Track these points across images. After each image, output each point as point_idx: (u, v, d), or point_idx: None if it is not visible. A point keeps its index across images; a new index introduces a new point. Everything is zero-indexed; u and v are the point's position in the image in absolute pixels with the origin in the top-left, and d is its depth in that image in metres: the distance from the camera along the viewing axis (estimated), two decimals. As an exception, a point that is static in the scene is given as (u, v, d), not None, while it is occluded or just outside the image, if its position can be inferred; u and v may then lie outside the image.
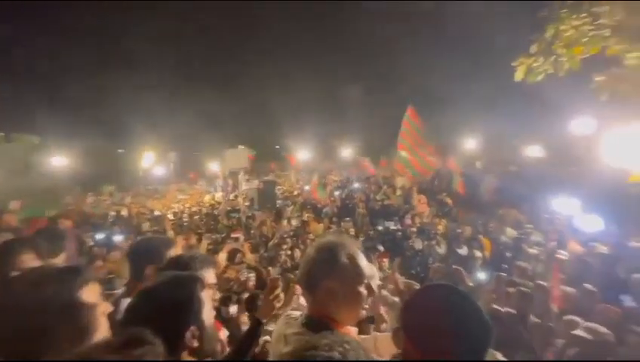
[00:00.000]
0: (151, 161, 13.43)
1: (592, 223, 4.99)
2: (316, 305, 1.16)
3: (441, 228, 7.10)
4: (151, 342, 0.78)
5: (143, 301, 1.11)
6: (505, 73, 4.21)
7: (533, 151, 12.23)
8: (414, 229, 7.00)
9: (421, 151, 7.32)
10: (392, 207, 9.55)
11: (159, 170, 19.15)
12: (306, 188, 13.60)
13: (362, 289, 1.16)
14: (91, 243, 6.38)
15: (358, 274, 1.16)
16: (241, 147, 9.09)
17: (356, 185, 13.34)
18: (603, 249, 4.64)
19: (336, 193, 12.33)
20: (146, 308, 1.07)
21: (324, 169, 18.85)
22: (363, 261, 1.20)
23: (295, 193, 14.20)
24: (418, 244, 6.26)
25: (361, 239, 6.71)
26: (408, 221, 7.68)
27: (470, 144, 18.67)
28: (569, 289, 3.32)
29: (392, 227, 7.35)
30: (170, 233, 6.85)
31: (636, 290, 3.40)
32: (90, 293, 1.20)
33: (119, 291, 1.91)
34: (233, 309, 3.46)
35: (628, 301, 3.34)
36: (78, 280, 1.15)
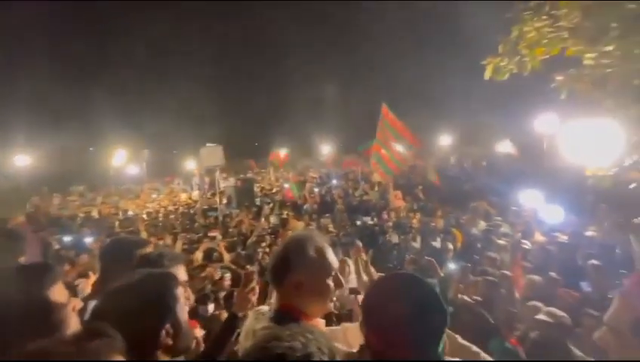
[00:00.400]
0: (123, 160, 12.91)
1: (553, 214, 5.32)
2: (284, 298, 1.18)
3: (415, 221, 7.31)
4: (108, 335, 0.77)
5: (114, 301, 1.07)
6: (479, 72, 4.37)
7: (503, 146, 12.78)
8: (391, 224, 7.16)
9: (392, 148, 7.62)
10: (369, 203, 9.72)
11: (132, 169, 18.47)
12: (286, 185, 13.58)
13: (330, 282, 1.18)
14: (58, 247, 6.09)
15: (325, 267, 1.19)
16: (216, 145, 8.86)
17: (335, 181, 13.45)
18: (564, 238, 4.96)
19: (316, 190, 12.38)
20: (118, 308, 1.04)
21: (304, 166, 18.87)
22: (331, 254, 1.22)
23: (274, 190, 14.13)
24: (394, 239, 6.42)
25: (340, 235, 6.81)
26: (385, 216, 7.86)
27: (445, 140, 19.27)
28: (533, 276, 3.53)
29: (370, 222, 7.49)
30: (144, 234, 6.65)
31: (592, 276, 3.67)
32: (59, 291, 1.17)
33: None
34: (211, 307, 3.45)
35: (585, 286, 3.61)
36: (47, 278, 1.12)
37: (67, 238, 7.02)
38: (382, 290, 0.99)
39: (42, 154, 16.14)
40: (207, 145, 8.94)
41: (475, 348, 1.31)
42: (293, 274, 1.15)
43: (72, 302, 1.24)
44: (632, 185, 3.58)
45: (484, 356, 1.28)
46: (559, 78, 4.13)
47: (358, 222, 7.56)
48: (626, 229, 4.25)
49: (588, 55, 3.64)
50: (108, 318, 0.99)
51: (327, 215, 8.80)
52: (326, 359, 0.73)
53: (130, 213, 11.06)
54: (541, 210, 5.77)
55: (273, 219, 8.43)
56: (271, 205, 10.53)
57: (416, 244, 6.34)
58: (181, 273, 1.50)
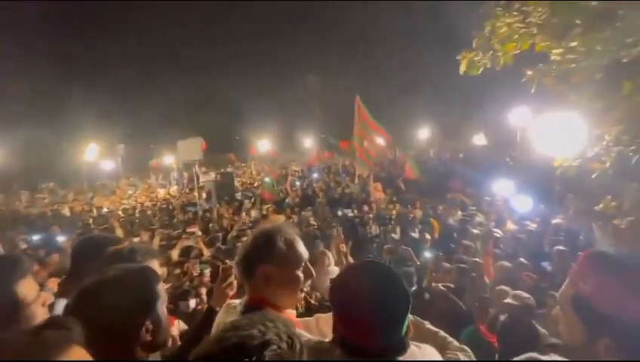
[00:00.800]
0: (95, 154, 12.36)
1: (523, 203, 5.58)
2: (254, 290, 1.18)
3: (394, 213, 7.46)
4: (67, 327, 0.76)
5: (91, 297, 1.03)
6: (457, 67, 4.45)
7: (479, 139, 13.18)
8: (371, 216, 7.27)
9: (366, 144, 7.89)
10: (351, 196, 9.82)
11: (107, 165, 17.76)
12: (267, 179, 13.47)
13: (299, 273, 1.19)
14: (25, 246, 5.80)
15: (295, 258, 1.20)
16: (194, 138, 8.62)
17: (316, 175, 13.47)
18: (533, 226, 5.22)
19: (297, 183, 12.36)
20: (96, 305, 1.00)
21: (285, 160, 18.76)
22: (300, 246, 1.23)
23: (255, 184, 14.00)
24: (374, 230, 6.53)
25: (322, 227, 6.87)
26: (365, 208, 7.97)
27: (424, 134, 19.67)
28: (503, 262, 3.71)
29: (350, 214, 7.58)
30: (119, 231, 6.44)
31: (556, 261, 3.89)
32: (28, 285, 1.13)
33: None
34: (193, 303, 3.42)
35: (547, 265, 3.84)
36: (16, 271, 1.08)
37: (36, 237, 6.70)
38: (346, 278, 1.01)
39: (8, 150, 15.23)
40: (192, 137, 8.71)
41: (442, 333, 1.33)
42: (263, 266, 1.16)
43: (41, 297, 1.20)
44: (594, 175, 3.79)
45: (451, 341, 1.30)
46: (529, 73, 4.28)
47: (339, 213, 7.65)
48: (590, 216, 4.52)
49: (555, 51, 3.78)
50: (84, 315, 0.95)
51: (308, 208, 8.83)
52: (284, 346, 0.72)
53: (105, 210, 10.68)
54: (512, 199, 6.03)
55: (254, 214, 8.37)
56: (252, 199, 10.44)
57: (396, 235, 6.48)
58: (157, 267, 1.46)
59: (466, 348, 1.25)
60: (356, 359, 0.92)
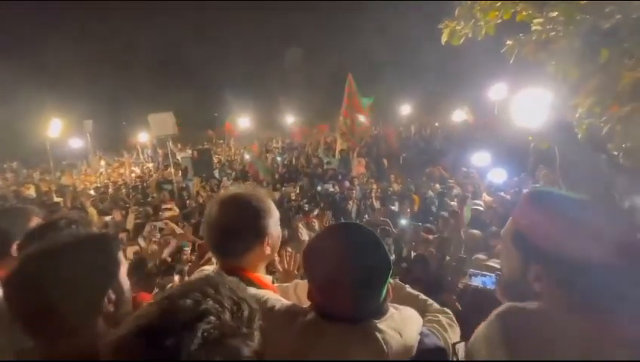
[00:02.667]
0: (59, 131, 11.57)
1: (498, 175, 5.75)
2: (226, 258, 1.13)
3: (375, 187, 7.53)
4: None
5: (43, 265, 0.91)
6: (438, 44, 4.35)
7: (458, 115, 13.35)
8: (353, 191, 7.32)
9: (348, 120, 8.08)
10: (332, 171, 9.81)
11: (75, 142, 16.77)
12: (247, 156, 13.20)
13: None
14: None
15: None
16: (166, 112, 8.19)
17: (296, 151, 13.32)
18: (507, 197, 5.40)
19: (279, 159, 12.22)
20: (50, 273, 0.89)
21: (265, 136, 18.40)
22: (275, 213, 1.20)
23: (233, 160, 13.71)
24: (355, 205, 6.59)
25: (303, 202, 6.86)
26: (347, 184, 7.99)
27: (406, 110, 19.72)
28: (476, 231, 3.82)
29: (331, 189, 7.59)
30: (91, 210, 6.17)
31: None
32: None
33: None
34: (177, 279, 3.37)
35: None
36: None
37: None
38: (318, 240, 0.96)
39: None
40: (165, 112, 8.28)
41: (422, 296, 1.32)
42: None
43: None
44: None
45: (431, 303, 1.29)
46: (509, 42, 4.25)
47: (319, 188, 7.65)
48: (560, 186, 4.70)
49: (536, 20, 3.75)
50: (34, 284, 0.87)
51: (290, 183, 8.78)
52: (226, 316, 0.65)
53: (75, 188, 10.15)
54: (488, 171, 6.21)
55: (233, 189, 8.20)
56: (233, 175, 10.23)
57: (377, 208, 6.56)
58: None
59: (447, 310, 1.24)
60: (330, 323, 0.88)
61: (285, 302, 1.03)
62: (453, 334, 1.12)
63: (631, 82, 2.76)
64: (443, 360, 1.01)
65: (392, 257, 3.30)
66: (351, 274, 0.86)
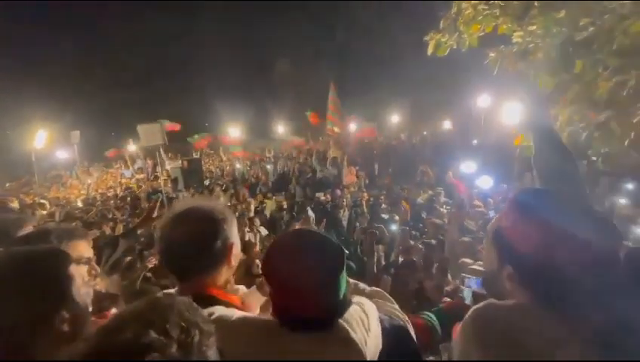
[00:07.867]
0: (44, 142, 11.36)
1: (485, 182, 5.90)
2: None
3: (366, 195, 7.58)
4: None
5: None
6: (425, 54, 4.46)
7: (446, 123, 13.63)
8: (344, 199, 7.35)
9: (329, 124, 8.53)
10: (324, 180, 9.83)
11: (62, 154, 16.45)
12: (238, 166, 13.15)
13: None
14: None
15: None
16: (155, 122, 8.12)
17: (289, 161, 13.33)
18: (494, 203, 5.53)
19: (269, 167, 12.21)
20: None
21: (256, 146, 18.39)
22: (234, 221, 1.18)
23: (225, 170, 13.63)
24: (346, 213, 6.61)
25: (295, 211, 6.86)
26: (338, 192, 8.02)
27: (396, 118, 20.05)
28: (465, 238, 3.88)
29: (322, 198, 7.60)
30: (78, 223, 6.03)
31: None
32: None
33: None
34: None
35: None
36: None
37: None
38: (271, 249, 0.96)
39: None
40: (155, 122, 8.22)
41: (361, 285, 1.31)
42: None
43: None
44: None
45: (364, 288, 1.28)
46: (492, 54, 4.40)
47: (311, 198, 7.65)
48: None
49: (516, 33, 3.91)
50: None
51: (281, 193, 8.77)
52: (172, 348, 0.58)
53: (61, 201, 9.93)
54: (476, 178, 6.35)
55: (223, 199, 8.16)
56: (224, 186, 10.17)
57: (367, 217, 6.59)
58: (82, 249, 1.27)
59: (379, 289, 1.27)
60: (298, 331, 0.87)
61: (243, 314, 1.00)
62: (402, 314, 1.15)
63: (606, 91, 2.90)
64: (408, 336, 1.04)
65: (383, 263, 3.33)
66: (303, 275, 0.86)
